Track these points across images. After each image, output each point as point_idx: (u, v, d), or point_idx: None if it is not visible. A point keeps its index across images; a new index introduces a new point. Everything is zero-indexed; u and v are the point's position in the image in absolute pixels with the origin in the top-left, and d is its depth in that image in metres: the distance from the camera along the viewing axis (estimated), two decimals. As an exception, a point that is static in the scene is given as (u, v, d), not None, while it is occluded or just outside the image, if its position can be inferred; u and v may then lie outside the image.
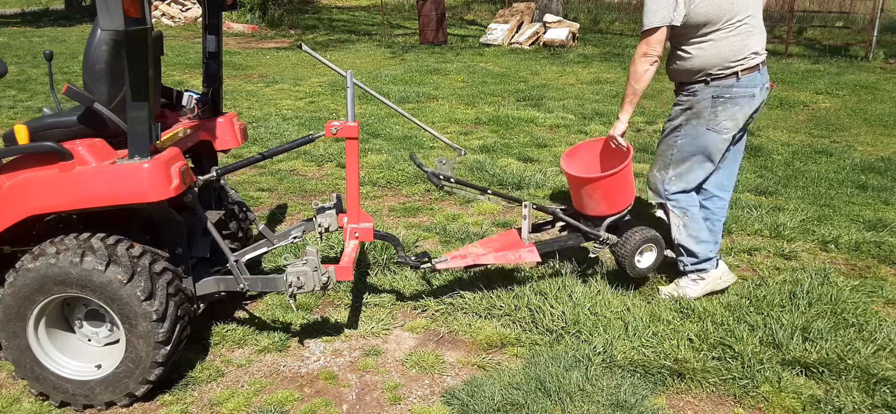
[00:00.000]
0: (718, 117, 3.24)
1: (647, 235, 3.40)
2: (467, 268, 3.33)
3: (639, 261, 3.42)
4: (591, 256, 3.60)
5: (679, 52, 3.29)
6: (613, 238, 3.43)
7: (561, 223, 3.60)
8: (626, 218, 3.48)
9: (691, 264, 3.47)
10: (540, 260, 3.38)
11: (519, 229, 3.49)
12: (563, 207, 3.66)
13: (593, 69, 11.26)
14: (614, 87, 9.65)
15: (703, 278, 3.48)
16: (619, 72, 10.95)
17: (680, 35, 3.23)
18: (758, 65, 3.22)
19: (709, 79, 3.22)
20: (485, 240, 3.55)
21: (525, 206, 3.41)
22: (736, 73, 3.18)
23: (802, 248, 4.17)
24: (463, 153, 3.49)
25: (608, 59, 12.24)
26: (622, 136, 3.42)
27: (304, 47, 3.01)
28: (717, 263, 3.52)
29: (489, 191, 3.44)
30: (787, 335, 3.07)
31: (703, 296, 3.46)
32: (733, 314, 3.28)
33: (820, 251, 4.16)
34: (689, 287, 3.49)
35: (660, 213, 3.73)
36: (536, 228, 3.63)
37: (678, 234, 3.46)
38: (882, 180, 5.43)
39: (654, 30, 3.14)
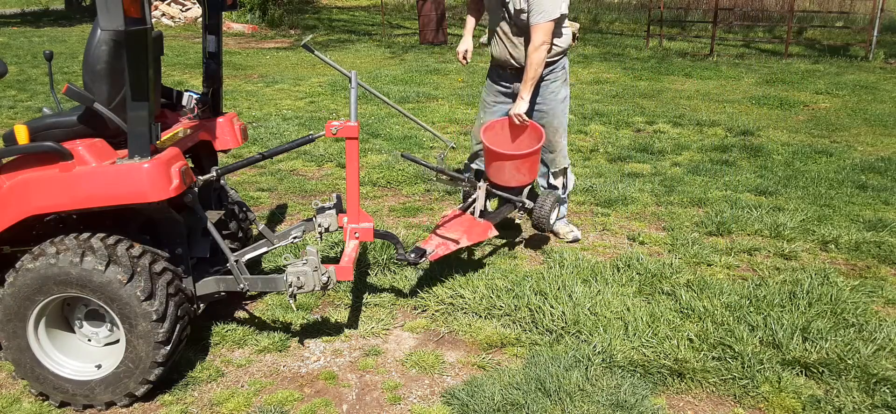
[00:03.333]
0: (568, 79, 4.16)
1: (555, 195, 4.00)
2: (443, 257, 3.50)
3: (551, 218, 3.96)
4: (517, 222, 3.95)
5: (555, 35, 3.83)
6: (531, 203, 3.90)
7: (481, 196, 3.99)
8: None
9: (563, 212, 4.33)
10: (497, 233, 3.73)
11: (462, 210, 3.86)
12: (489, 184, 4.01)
13: (593, 69, 11.27)
14: (615, 87, 9.66)
15: (563, 219, 4.37)
16: (620, 72, 10.95)
17: (559, 21, 3.83)
18: None
19: (567, 51, 4.03)
20: (445, 225, 3.67)
21: (480, 187, 3.79)
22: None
23: (802, 248, 4.17)
24: (452, 146, 3.66)
25: (608, 60, 12.25)
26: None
27: (307, 46, 3.00)
28: None
29: (466, 176, 3.81)
30: (787, 335, 3.07)
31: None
32: (733, 314, 3.28)
33: (820, 251, 4.16)
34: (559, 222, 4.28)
35: (559, 180, 4.25)
36: (467, 206, 3.93)
37: (569, 187, 4.28)
38: (882, 180, 5.43)
39: (554, 21, 3.71)
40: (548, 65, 3.91)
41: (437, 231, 3.63)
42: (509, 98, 4.08)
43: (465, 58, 4.24)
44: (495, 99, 4.18)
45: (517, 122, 3.89)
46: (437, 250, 3.45)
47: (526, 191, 3.92)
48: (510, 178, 3.83)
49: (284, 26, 17.29)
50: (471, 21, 4.31)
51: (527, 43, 3.81)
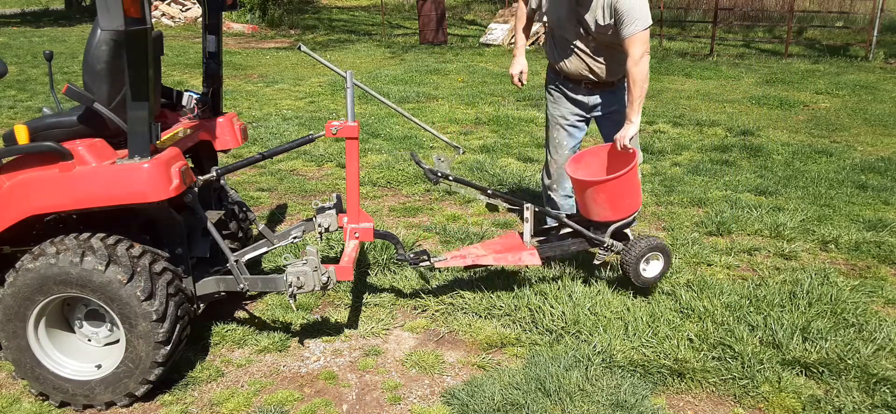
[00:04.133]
0: None
1: (653, 243, 3.32)
2: (467, 267, 3.33)
3: (644, 269, 3.33)
4: (596, 262, 3.50)
5: (621, 51, 3.45)
6: (619, 245, 3.37)
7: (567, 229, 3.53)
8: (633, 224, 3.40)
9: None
10: (540, 263, 3.35)
11: (520, 233, 3.47)
12: (568, 214, 3.61)
13: (593, 69, 11.26)
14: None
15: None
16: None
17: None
18: None
19: None
20: (486, 242, 3.54)
21: (527, 209, 3.35)
22: None
23: (802, 248, 4.17)
24: (461, 151, 3.45)
25: (608, 59, 12.24)
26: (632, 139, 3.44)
27: (303, 48, 3.01)
28: None
29: (490, 191, 3.38)
30: (787, 335, 3.07)
31: None
32: (733, 314, 3.28)
33: (820, 251, 4.16)
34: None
35: None
36: (542, 232, 3.58)
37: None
38: (882, 180, 5.43)
39: (648, 27, 3.34)
40: (623, 80, 3.57)
41: (475, 244, 3.39)
42: (586, 111, 3.80)
43: (520, 80, 3.91)
44: (573, 116, 3.81)
45: (619, 148, 3.42)
46: (450, 260, 3.28)
47: (611, 228, 3.39)
48: (590, 210, 3.40)
49: (284, 26, 17.29)
50: (522, 39, 3.95)
51: (610, 57, 3.55)
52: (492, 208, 3.46)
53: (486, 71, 10.91)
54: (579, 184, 3.40)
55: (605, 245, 3.40)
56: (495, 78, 10.28)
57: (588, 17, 3.45)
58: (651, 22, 3.38)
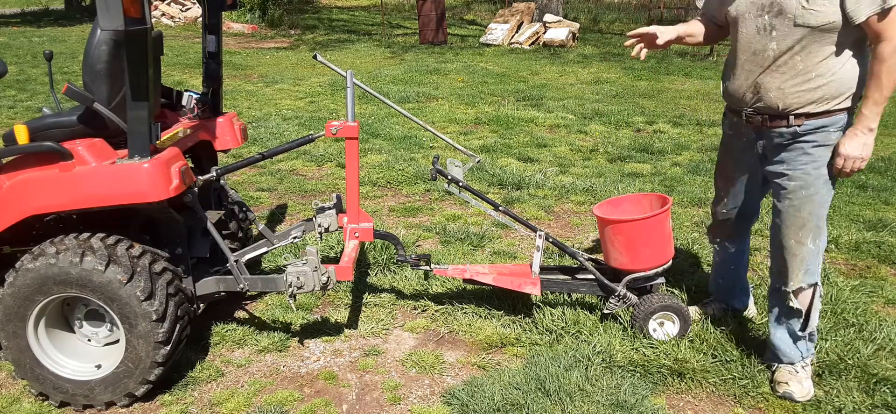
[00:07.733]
0: None
1: (666, 302, 3.04)
2: (465, 281, 3.22)
3: (654, 329, 3.06)
4: (605, 311, 3.18)
5: (837, 60, 2.39)
6: (633, 298, 3.09)
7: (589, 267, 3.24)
8: (660, 281, 3.14)
9: (807, 352, 2.76)
10: (539, 294, 3.21)
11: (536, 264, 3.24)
12: (594, 259, 3.31)
13: (593, 69, 11.27)
14: (614, 87, 9.65)
15: (808, 368, 2.79)
16: (619, 72, 10.94)
17: (851, 33, 2.34)
18: None
19: (853, 102, 2.46)
20: (494, 266, 3.36)
21: (540, 236, 3.18)
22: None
23: (802, 248, 4.17)
24: (477, 160, 3.25)
25: (608, 60, 12.25)
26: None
27: (319, 57, 3.02)
28: None
29: (501, 207, 3.26)
30: (787, 335, 3.07)
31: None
32: (733, 314, 3.28)
33: (820, 251, 4.16)
34: (807, 381, 2.74)
35: (796, 303, 2.70)
36: (565, 270, 3.36)
37: (814, 319, 2.71)
38: (882, 180, 5.43)
39: None
40: (828, 114, 2.46)
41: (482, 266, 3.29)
42: (756, 165, 2.78)
43: (642, 39, 2.82)
44: (737, 169, 2.88)
45: (847, 169, 2.54)
46: (450, 270, 3.20)
47: (626, 278, 3.07)
48: (607, 253, 3.13)
49: (284, 26, 17.29)
50: (682, 27, 2.89)
51: (798, 66, 2.42)
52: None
53: (486, 71, 10.91)
54: (599, 222, 3.15)
55: (617, 294, 3.09)
56: (495, 78, 10.28)
57: None
58: None
